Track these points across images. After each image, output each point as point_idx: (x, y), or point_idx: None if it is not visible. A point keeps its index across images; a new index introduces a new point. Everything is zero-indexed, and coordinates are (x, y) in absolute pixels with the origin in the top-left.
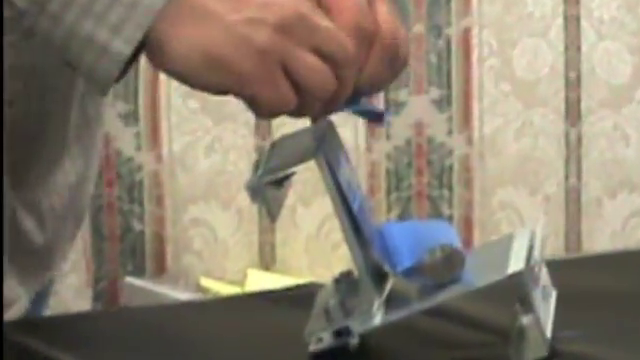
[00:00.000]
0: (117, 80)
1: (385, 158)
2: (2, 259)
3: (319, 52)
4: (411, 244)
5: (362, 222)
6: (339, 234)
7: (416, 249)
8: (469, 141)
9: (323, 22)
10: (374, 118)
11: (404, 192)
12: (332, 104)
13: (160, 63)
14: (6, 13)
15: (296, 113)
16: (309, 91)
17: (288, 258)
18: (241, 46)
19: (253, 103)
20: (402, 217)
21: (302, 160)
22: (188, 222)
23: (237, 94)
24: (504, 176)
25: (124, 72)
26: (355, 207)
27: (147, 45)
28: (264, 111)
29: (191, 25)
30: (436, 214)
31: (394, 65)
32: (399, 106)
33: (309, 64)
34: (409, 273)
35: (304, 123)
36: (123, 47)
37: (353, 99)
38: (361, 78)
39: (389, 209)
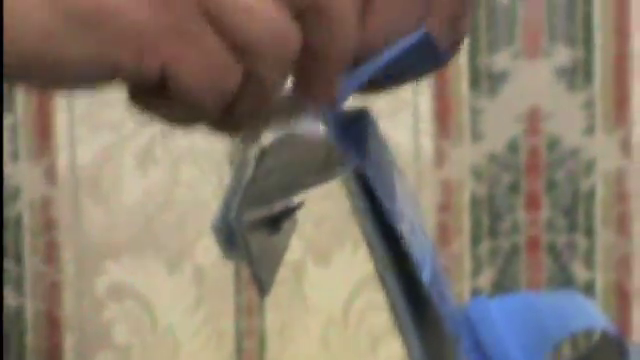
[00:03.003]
0: None
1: (470, 176)
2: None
3: None
4: (528, 336)
5: (431, 297)
6: (384, 319)
7: (536, 345)
8: (625, 146)
9: None
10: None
11: (505, 239)
12: (313, 78)
13: None
14: None
15: (248, 102)
16: (254, 50)
17: None
18: None
19: (170, 82)
20: (501, 284)
21: (316, 180)
22: (105, 293)
23: (135, 73)
24: None
25: None
26: (419, 270)
27: None
28: (189, 95)
29: None
30: (563, 278)
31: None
32: (496, 79)
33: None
34: None
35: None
36: None
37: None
38: (370, 27)
39: (477, 269)
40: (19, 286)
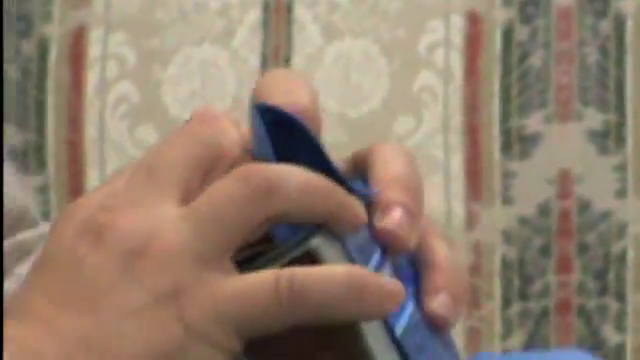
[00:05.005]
0: None
1: (501, 239)
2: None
3: None
4: None
5: (404, 347)
6: None
7: None
8: None
9: None
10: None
11: (535, 302)
12: None
13: None
14: None
15: None
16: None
17: None
18: None
19: None
20: (532, 347)
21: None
22: None
23: None
24: None
25: None
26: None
27: None
28: None
29: None
30: (594, 341)
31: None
32: (528, 142)
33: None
34: None
35: None
36: None
37: None
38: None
39: (507, 332)
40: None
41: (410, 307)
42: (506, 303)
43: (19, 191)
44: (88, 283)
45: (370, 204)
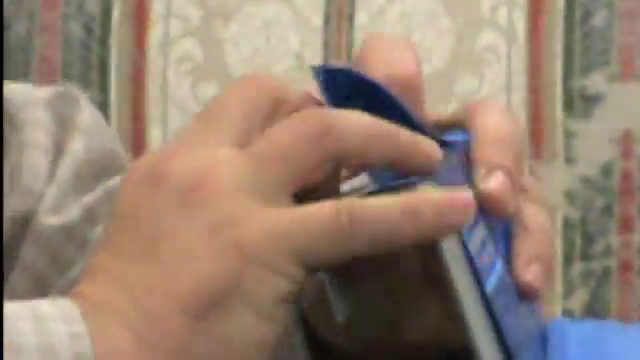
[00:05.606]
0: None
1: (564, 198)
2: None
3: None
4: None
5: (492, 307)
6: None
7: None
8: None
9: None
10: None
11: (597, 262)
12: None
13: None
14: None
15: None
16: None
17: None
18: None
19: None
20: (593, 307)
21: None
22: None
23: None
24: None
25: None
26: (483, 277)
27: None
28: None
29: None
30: None
31: None
32: (590, 102)
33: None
34: None
35: None
36: None
37: None
38: None
39: (569, 292)
40: None
41: (499, 265)
42: (568, 263)
43: (107, 137)
44: (149, 230)
45: (467, 155)
